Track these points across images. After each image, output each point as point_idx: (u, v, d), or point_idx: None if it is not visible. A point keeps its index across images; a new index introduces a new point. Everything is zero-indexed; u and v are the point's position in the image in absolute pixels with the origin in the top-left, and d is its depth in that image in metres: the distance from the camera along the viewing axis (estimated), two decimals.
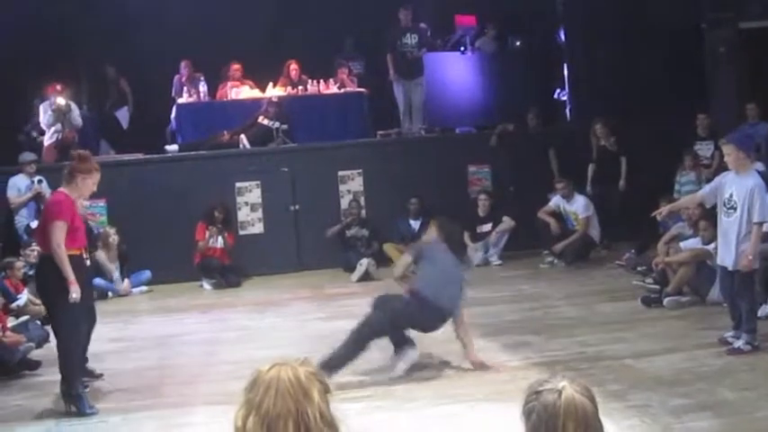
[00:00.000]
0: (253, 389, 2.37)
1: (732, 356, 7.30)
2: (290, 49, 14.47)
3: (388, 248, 12.74)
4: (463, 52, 14.92)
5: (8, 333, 8.31)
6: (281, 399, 2.31)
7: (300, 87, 14.19)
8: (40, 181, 11.89)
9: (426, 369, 7.46)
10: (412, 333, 7.51)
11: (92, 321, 7.49)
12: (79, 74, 14.53)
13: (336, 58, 14.94)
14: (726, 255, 7.53)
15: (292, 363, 2.40)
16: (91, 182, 7.05)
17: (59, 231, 6.66)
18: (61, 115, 12.96)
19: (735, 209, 7.38)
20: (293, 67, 14.30)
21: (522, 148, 13.47)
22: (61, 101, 12.83)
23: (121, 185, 12.33)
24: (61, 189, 7.03)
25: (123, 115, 14.59)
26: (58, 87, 13.14)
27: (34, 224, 10.77)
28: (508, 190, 13.44)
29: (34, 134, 13.42)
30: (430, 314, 7.33)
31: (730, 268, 7.50)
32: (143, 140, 13.85)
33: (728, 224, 7.47)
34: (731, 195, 7.42)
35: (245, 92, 14.13)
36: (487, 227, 12.91)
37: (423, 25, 14.26)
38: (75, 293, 6.60)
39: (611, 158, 12.89)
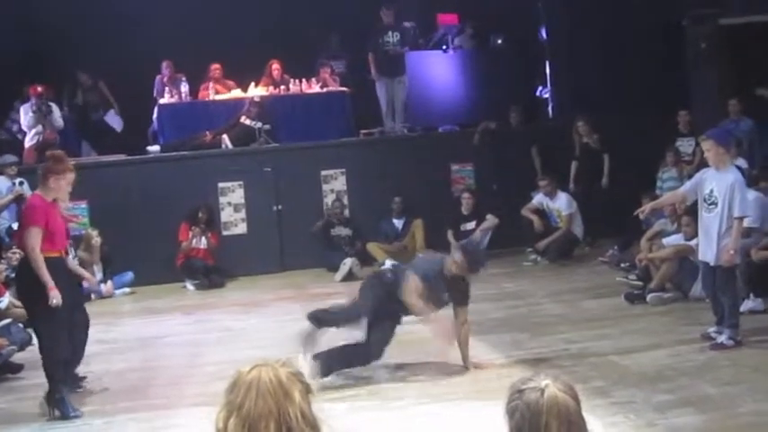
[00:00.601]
0: (233, 390, 2.36)
1: (715, 352, 7.34)
2: (272, 49, 14.43)
3: (372, 248, 12.75)
4: (445, 51, 14.91)
5: None
6: (262, 399, 2.30)
7: (283, 87, 14.16)
8: (21, 183, 11.81)
9: (410, 368, 7.45)
10: None
11: (85, 325, 7.50)
12: (59, 75, 14.43)
13: (320, 57, 14.92)
14: (707, 250, 7.56)
15: (273, 364, 2.39)
16: (64, 183, 6.95)
17: (34, 237, 6.62)
18: (42, 117, 12.90)
19: (715, 204, 7.41)
20: (275, 67, 14.27)
21: (505, 146, 13.49)
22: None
23: (103, 187, 12.28)
24: (37, 192, 7.00)
25: (113, 119, 14.39)
26: (39, 89, 13.09)
27: (16, 226, 10.70)
28: (491, 188, 13.44)
29: (15, 129, 13.31)
30: None
31: (712, 263, 7.53)
32: (124, 142, 13.79)
33: (709, 220, 7.50)
34: (711, 191, 7.45)
35: (227, 93, 14.11)
36: (471, 225, 12.91)
37: (408, 24, 14.28)
38: (55, 299, 6.56)
39: (593, 156, 12.93)
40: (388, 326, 7.25)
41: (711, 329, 7.70)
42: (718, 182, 7.42)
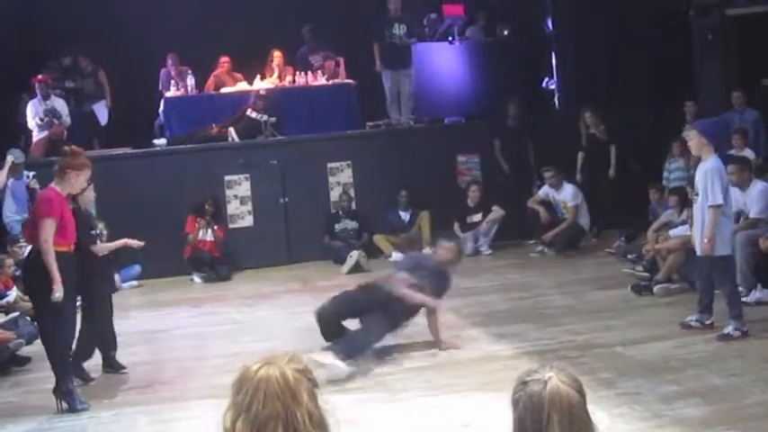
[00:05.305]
0: (241, 390, 2.35)
1: (721, 343, 7.33)
2: (275, 41, 14.43)
3: (379, 240, 12.77)
4: (451, 42, 14.89)
5: None
6: (270, 401, 2.30)
7: (288, 79, 14.16)
8: (35, 176, 11.78)
9: (417, 359, 7.48)
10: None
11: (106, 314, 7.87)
12: (65, 66, 14.44)
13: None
14: (696, 240, 7.64)
15: (280, 361, 2.39)
16: (83, 178, 7.01)
17: (48, 229, 6.63)
18: (50, 122, 12.97)
19: (698, 194, 7.51)
20: (277, 55, 14.32)
21: (511, 137, 13.45)
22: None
23: (110, 180, 12.23)
24: (52, 185, 6.99)
25: (101, 110, 14.27)
26: (40, 77, 13.11)
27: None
28: (498, 179, 13.39)
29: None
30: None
31: (698, 253, 7.59)
32: (129, 134, 13.79)
33: (696, 210, 7.66)
34: (696, 182, 7.56)
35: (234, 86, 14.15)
36: (477, 217, 12.93)
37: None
38: (58, 292, 6.55)
39: (600, 147, 12.91)
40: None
41: (690, 318, 7.77)
42: (700, 172, 7.53)
